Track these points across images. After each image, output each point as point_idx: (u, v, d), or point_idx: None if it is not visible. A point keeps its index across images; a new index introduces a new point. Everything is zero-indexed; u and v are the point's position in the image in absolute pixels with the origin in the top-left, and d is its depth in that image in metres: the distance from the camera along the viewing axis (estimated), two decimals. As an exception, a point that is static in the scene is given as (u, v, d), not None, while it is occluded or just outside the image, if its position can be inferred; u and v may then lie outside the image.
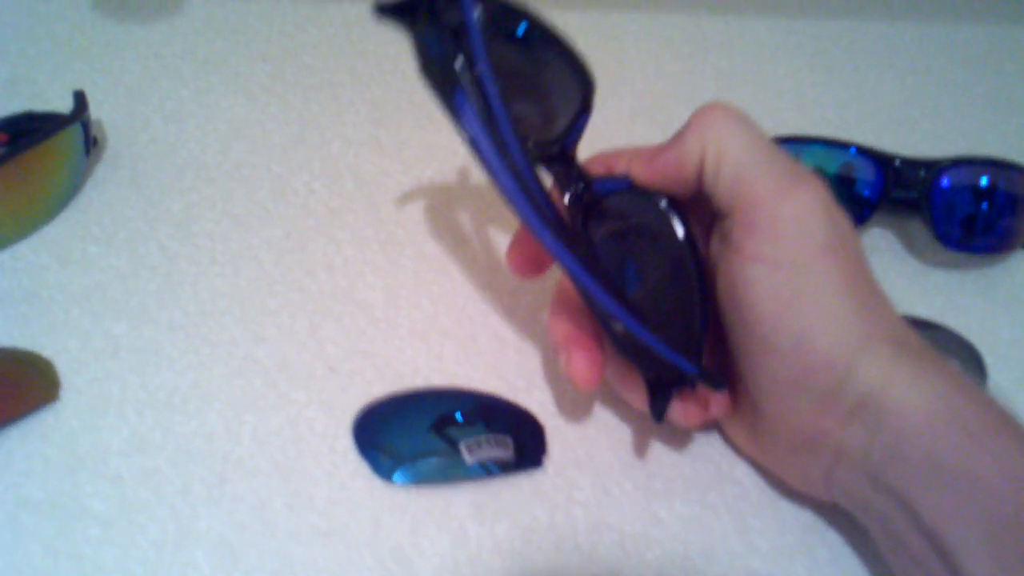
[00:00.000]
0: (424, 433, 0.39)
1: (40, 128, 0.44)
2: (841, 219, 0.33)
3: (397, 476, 0.38)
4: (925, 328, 0.43)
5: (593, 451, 0.39)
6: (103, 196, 0.47)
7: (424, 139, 0.52)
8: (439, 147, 0.51)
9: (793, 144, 0.49)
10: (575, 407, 0.41)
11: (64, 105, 0.47)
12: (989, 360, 0.42)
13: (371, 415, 0.40)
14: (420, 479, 0.38)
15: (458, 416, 0.39)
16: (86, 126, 0.47)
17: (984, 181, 0.47)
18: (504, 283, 0.45)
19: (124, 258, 0.44)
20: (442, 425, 0.39)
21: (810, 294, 0.32)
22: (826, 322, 0.32)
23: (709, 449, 0.40)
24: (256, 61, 0.57)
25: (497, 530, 0.36)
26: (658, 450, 0.39)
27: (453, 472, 0.38)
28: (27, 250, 0.44)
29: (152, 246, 0.45)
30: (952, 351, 0.42)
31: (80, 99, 0.47)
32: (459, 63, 0.32)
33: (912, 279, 0.48)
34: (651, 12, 0.63)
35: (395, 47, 0.58)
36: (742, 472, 0.39)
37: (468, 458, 0.38)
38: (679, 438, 0.40)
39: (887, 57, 0.61)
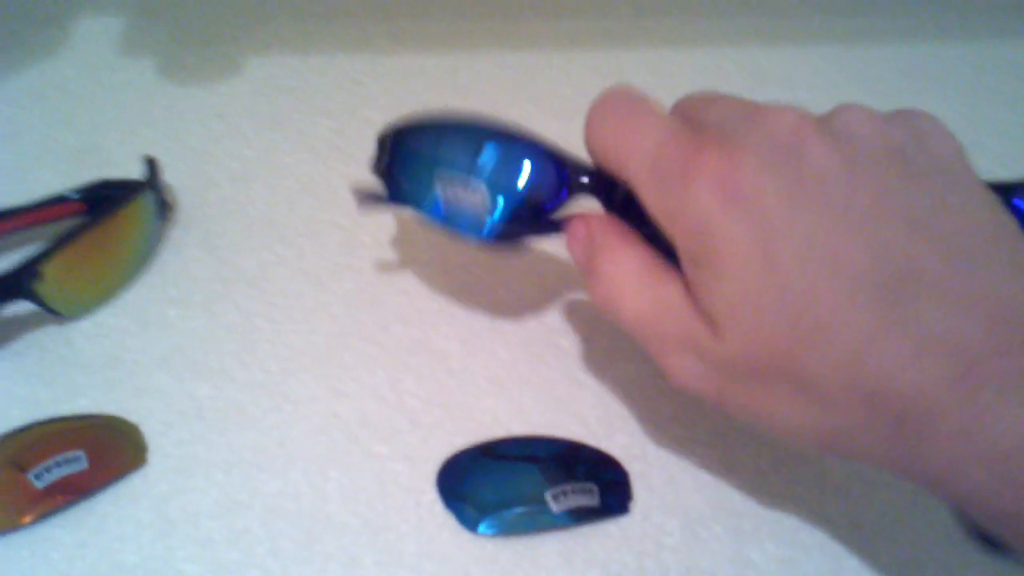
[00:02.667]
0: (508, 483, 0.39)
1: (116, 195, 0.45)
2: None
3: (483, 527, 0.38)
4: None
5: (679, 494, 0.39)
6: (178, 259, 0.48)
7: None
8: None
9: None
10: (658, 450, 0.40)
11: (135, 171, 0.48)
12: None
13: (454, 466, 0.40)
14: (506, 530, 0.38)
15: (541, 465, 0.39)
16: (159, 191, 0.48)
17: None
18: (579, 326, 0.45)
19: (202, 319, 0.45)
20: (525, 474, 0.39)
21: None
22: None
23: (798, 488, 0.39)
24: (318, 116, 0.57)
25: (589, 579, 0.36)
26: (746, 490, 0.39)
27: (539, 521, 0.38)
28: (108, 316, 0.45)
29: (228, 305, 0.46)
30: None
31: (152, 165, 0.47)
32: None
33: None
34: (703, 47, 0.63)
35: (454, 99, 0.58)
36: (833, 510, 0.38)
37: (554, 507, 0.38)
38: (767, 478, 0.39)
39: (946, 79, 0.61)
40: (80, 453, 0.38)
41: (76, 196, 0.47)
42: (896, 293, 0.29)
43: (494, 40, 0.64)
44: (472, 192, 0.38)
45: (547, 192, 0.38)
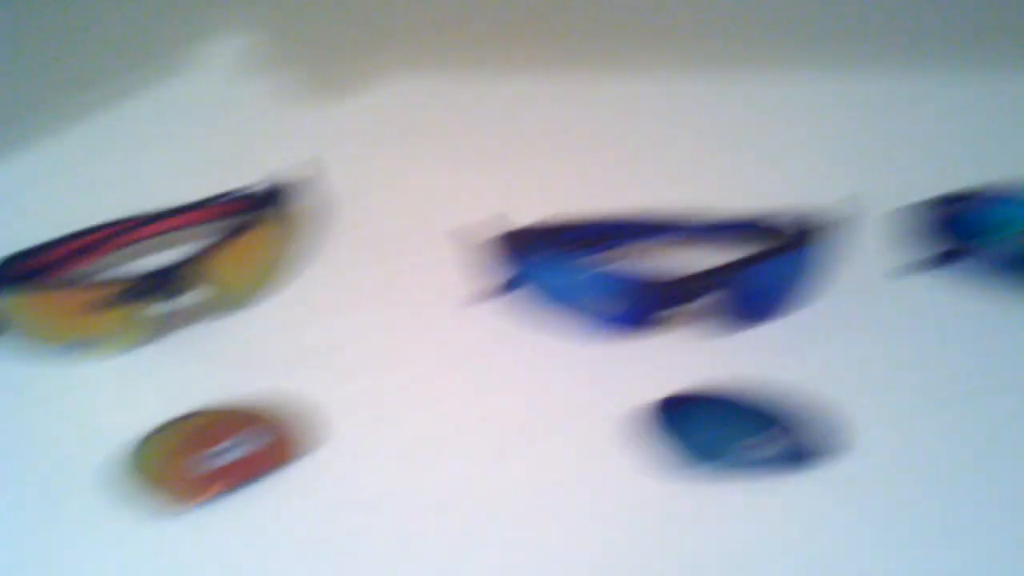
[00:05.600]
0: (724, 425, 0.39)
1: (281, 195, 0.46)
2: None
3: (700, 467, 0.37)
4: None
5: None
6: (332, 259, 0.49)
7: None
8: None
9: (973, 203, 0.48)
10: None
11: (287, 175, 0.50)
12: None
13: (667, 409, 0.40)
14: (724, 469, 0.37)
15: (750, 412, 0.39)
16: (319, 195, 0.49)
17: None
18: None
19: (370, 313, 0.46)
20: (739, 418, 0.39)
21: None
22: None
23: None
24: (454, 132, 0.59)
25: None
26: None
27: (751, 464, 0.37)
28: (272, 307, 0.46)
29: (378, 304, 0.46)
30: None
31: (314, 167, 0.48)
32: None
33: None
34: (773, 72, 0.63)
35: (593, 117, 0.59)
36: None
37: (760, 453, 0.37)
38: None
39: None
40: (259, 433, 0.38)
41: (244, 195, 0.48)
42: None
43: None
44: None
45: None
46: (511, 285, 0.45)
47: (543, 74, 0.63)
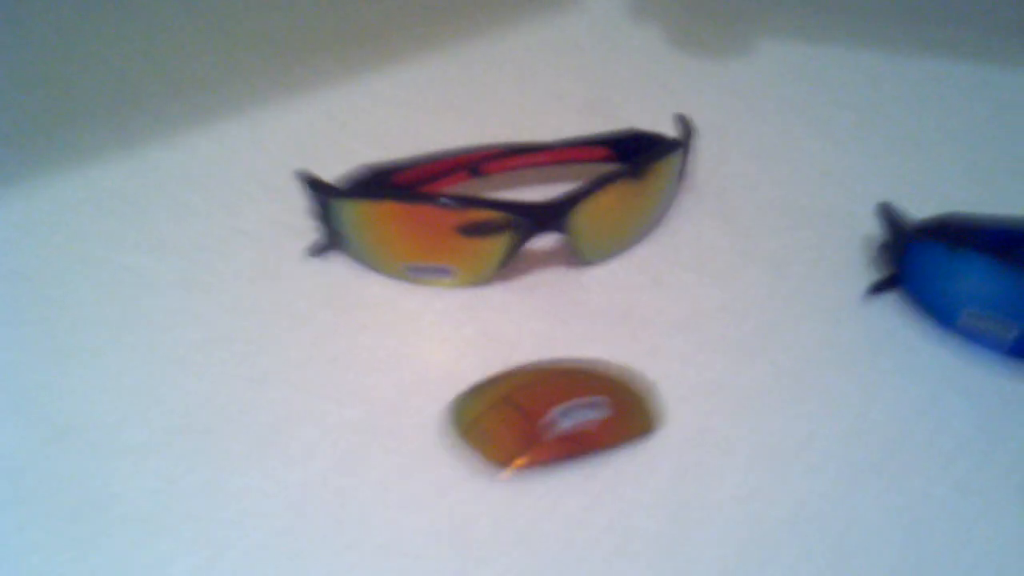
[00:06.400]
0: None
1: (645, 148, 0.43)
2: None
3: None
4: None
5: None
6: (692, 225, 0.45)
7: None
8: None
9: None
10: None
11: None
12: None
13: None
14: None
15: None
16: (688, 152, 0.45)
17: None
18: None
19: (719, 289, 0.41)
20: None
21: None
22: None
23: None
24: (839, 108, 0.53)
25: None
26: None
27: None
28: (622, 268, 0.43)
29: (746, 282, 0.42)
30: None
31: (686, 124, 0.45)
32: None
33: None
34: None
35: (992, 107, 0.52)
36: None
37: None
38: None
39: None
40: (604, 400, 0.35)
41: (606, 142, 0.45)
42: None
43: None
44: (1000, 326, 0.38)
45: None
46: (899, 281, 0.40)
47: (939, 59, 0.56)
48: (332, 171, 0.42)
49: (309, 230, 0.42)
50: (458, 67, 0.57)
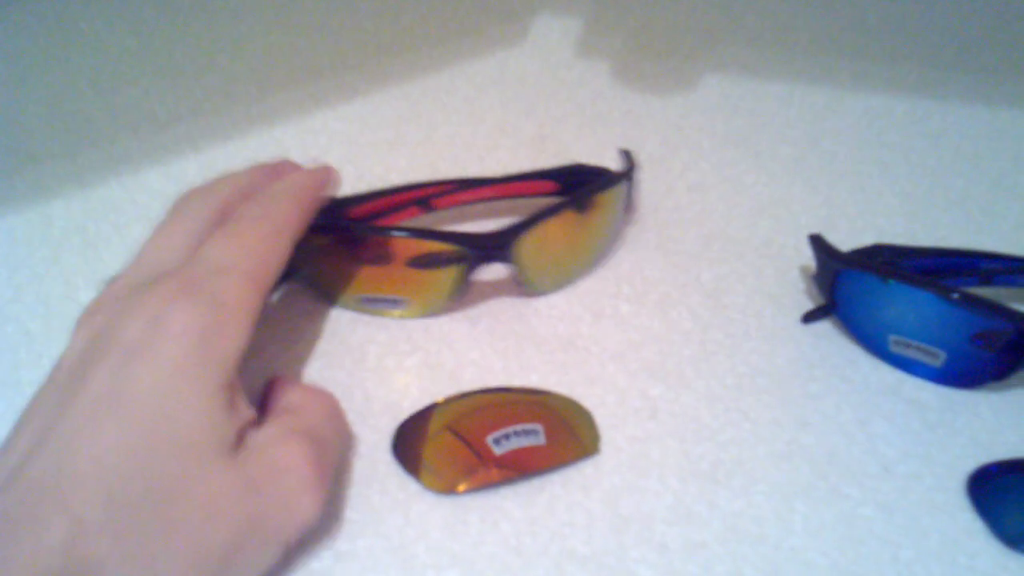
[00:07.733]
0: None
1: (588, 181, 0.44)
2: None
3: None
4: None
5: None
6: (634, 257, 0.46)
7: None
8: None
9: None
10: None
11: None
12: None
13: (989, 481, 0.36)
14: None
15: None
16: (631, 185, 0.46)
17: None
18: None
19: (657, 320, 0.43)
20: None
21: None
22: None
23: None
24: (778, 143, 0.55)
25: None
26: None
27: None
28: (562, 300, 0.44)
29: (683, 312, 0.43)
30: None
31: (628, 157, 0.46)
32: None
33: None
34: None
35: (922, 146, 0.54)
36: None
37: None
38: None
39: None
40: (539, 427, 0.37)
41: (552, 176, 0.46)
42: None
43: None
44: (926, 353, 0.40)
45: None
46: (831, 309, 0.41)
47: (881, 93, 0.58)
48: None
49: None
50: (407, 103, 0.58)
